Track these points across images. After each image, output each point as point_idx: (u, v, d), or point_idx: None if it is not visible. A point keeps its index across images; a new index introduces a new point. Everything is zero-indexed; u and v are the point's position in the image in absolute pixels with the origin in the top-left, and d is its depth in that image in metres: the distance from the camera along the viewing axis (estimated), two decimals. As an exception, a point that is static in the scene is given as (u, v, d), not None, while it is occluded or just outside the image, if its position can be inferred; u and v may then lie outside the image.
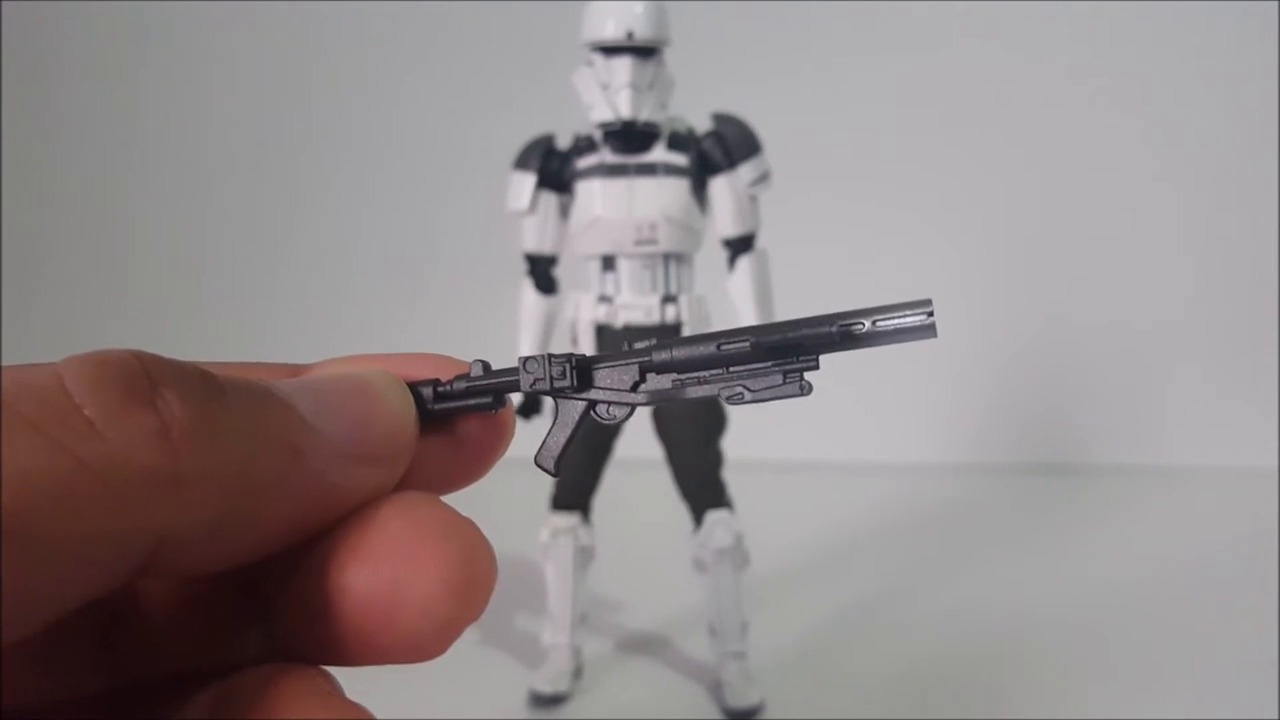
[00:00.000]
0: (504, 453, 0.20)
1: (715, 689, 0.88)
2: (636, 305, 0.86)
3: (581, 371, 0.20)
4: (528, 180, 0.88)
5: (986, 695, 0.89)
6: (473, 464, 0.20)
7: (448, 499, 0.18)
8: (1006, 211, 1.60)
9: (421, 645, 0.16)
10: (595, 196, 0.86)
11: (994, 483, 1.53)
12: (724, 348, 0.19)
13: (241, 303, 1.77)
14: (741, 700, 0.86)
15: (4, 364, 0.14)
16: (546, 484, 0.92)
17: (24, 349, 1.70)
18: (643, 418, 0.91)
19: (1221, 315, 1.58)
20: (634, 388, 0.20)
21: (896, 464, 1.59)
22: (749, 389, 0.19)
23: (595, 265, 0.87)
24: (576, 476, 0.91)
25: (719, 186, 0.87)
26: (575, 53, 0.86)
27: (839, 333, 0.19)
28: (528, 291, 0.91)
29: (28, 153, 1.79)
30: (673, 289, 0.86)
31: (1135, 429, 1.61)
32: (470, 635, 1.02)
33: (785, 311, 0.98)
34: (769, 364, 0.19)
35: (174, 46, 1.76)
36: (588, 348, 0.87)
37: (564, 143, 0.89)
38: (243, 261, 1.78)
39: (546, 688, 0.88)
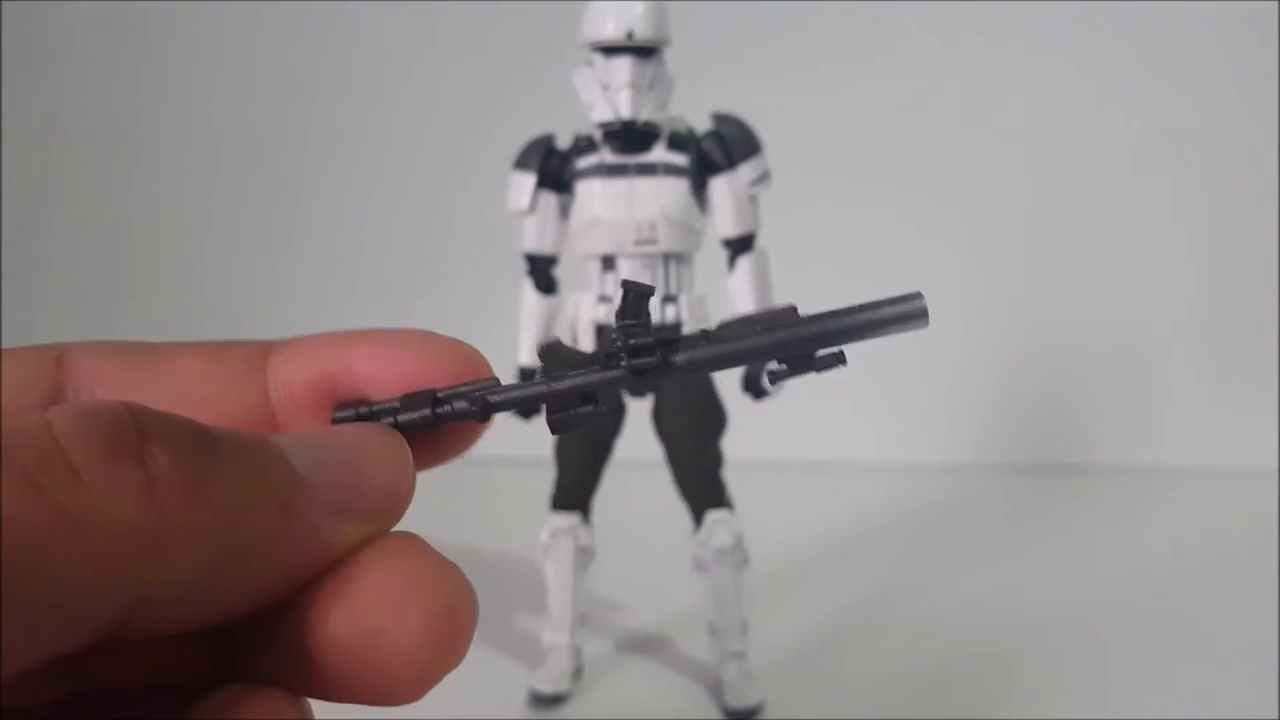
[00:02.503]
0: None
1: (715, 689, 0.88)
2: (637, 305, 0.86)
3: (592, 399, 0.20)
4: (528, 180, 0.88)
5: (986, 695, 0.89)
6: (449, 452, 0.20)
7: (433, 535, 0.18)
8: (1006, 212, 1.60)
9: (400, 692, 0.16)
10: (595, 196, 0.86)
11: (994, 483, 1.53)
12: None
13: (242, 304, 1.77)
14: (741, 700, 0.86)
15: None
16: (546, 484, 0.92)
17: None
18: (643, 418, 0.91)
19: (1222, 315, 1.58)
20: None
21: (896, 464, 1.59)
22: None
23: (595, 265, 0.87)
24: (576, 476, 0.91)
25: (719, 186, 0.87)
26: (575, 53, 0.86)
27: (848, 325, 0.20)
28: (527, 291, 0.91)
29: (28, 150, 1.79)
30: (673, 289, 0.86)
31: (1135, 429, 1.61)
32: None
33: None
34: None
35: (175, 47, 1.76)
36: (588, 348, 0.87)
37: (564, 143, 0.89)
38: (243, 262, 1.78)
39: (546, 688, 0.88)
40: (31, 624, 0.13)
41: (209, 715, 0.16)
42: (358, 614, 0.16)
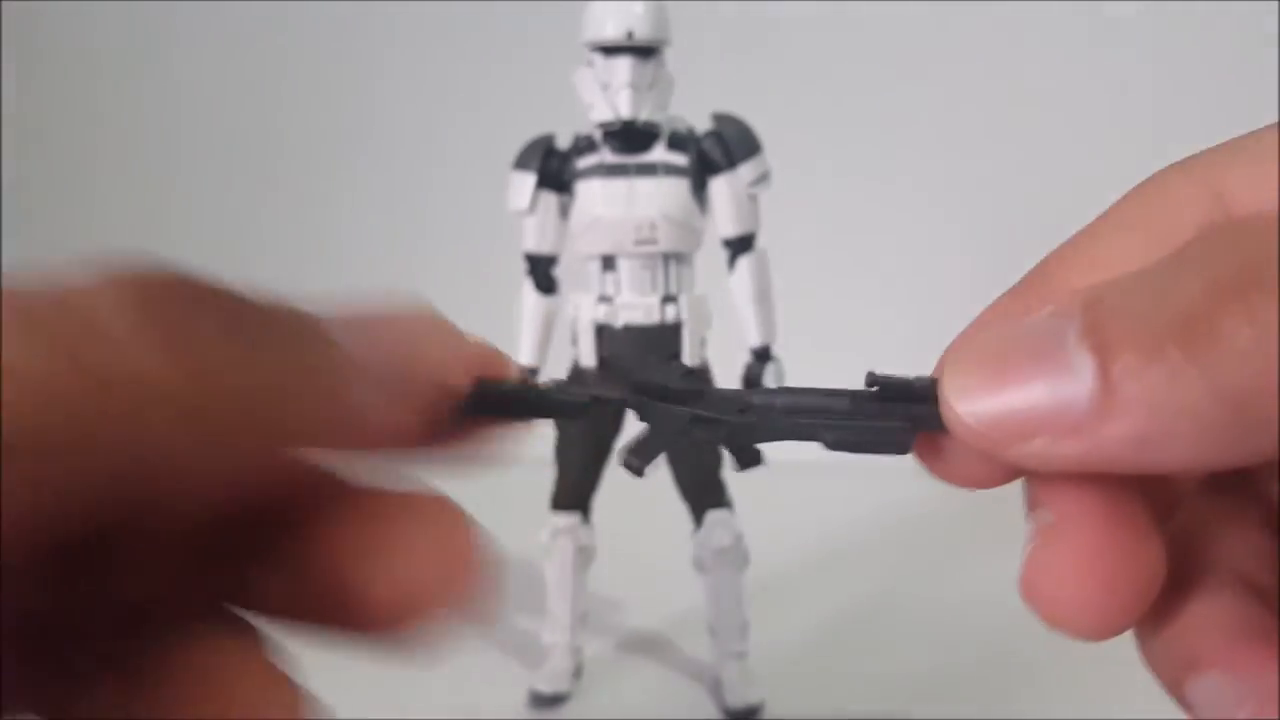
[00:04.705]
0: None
1: (715, 689, 0.88)
2: (637, 305, 0.86)
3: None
4: (528, 180, 0.88)
5: (987, 695, 0.89)
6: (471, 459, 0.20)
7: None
8: (1008, 212, 1.60)
9: (404, 640, 0.16)
10: (595, 196, 0.86)
11: (994, 483, 1.52)
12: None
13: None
14: (741, 700, 0.86)
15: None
16: (546, 484, 0.92)
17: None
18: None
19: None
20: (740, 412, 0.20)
21: (897, 464, 1.58)
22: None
23: (595, 265, 0.87)
24: (576, 476, 0.91)
25: (719, 186, 0.87)
26: (575, 53, 0.86)
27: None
28: (527, 292, 0.91)
29: (28, 150, 1.79)
30: (673, 289, 0.86)
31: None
32: (470, 635, 1.02)
33: (785, 311, 0.98)
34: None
35: (175, 47, 1.76)
36: (587, 348, 0.87)
37: (564, 143, 0.89)
38: (242, 262, 1.78)
39: (546, 688, 0.88)
40: (58, 492, 0.12)
41: (190, 644, 0.15)
42: (396, 582, 0.16)
